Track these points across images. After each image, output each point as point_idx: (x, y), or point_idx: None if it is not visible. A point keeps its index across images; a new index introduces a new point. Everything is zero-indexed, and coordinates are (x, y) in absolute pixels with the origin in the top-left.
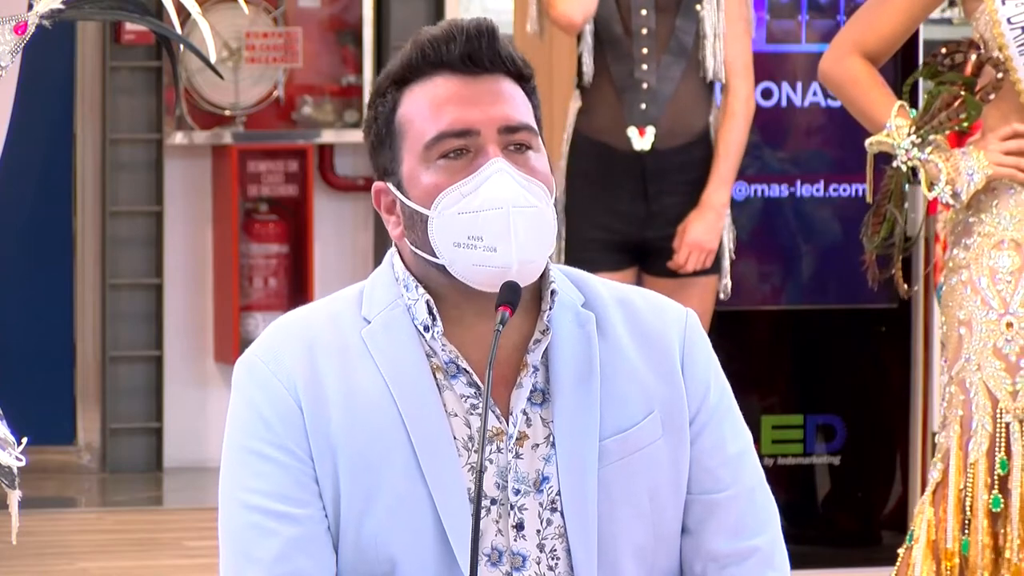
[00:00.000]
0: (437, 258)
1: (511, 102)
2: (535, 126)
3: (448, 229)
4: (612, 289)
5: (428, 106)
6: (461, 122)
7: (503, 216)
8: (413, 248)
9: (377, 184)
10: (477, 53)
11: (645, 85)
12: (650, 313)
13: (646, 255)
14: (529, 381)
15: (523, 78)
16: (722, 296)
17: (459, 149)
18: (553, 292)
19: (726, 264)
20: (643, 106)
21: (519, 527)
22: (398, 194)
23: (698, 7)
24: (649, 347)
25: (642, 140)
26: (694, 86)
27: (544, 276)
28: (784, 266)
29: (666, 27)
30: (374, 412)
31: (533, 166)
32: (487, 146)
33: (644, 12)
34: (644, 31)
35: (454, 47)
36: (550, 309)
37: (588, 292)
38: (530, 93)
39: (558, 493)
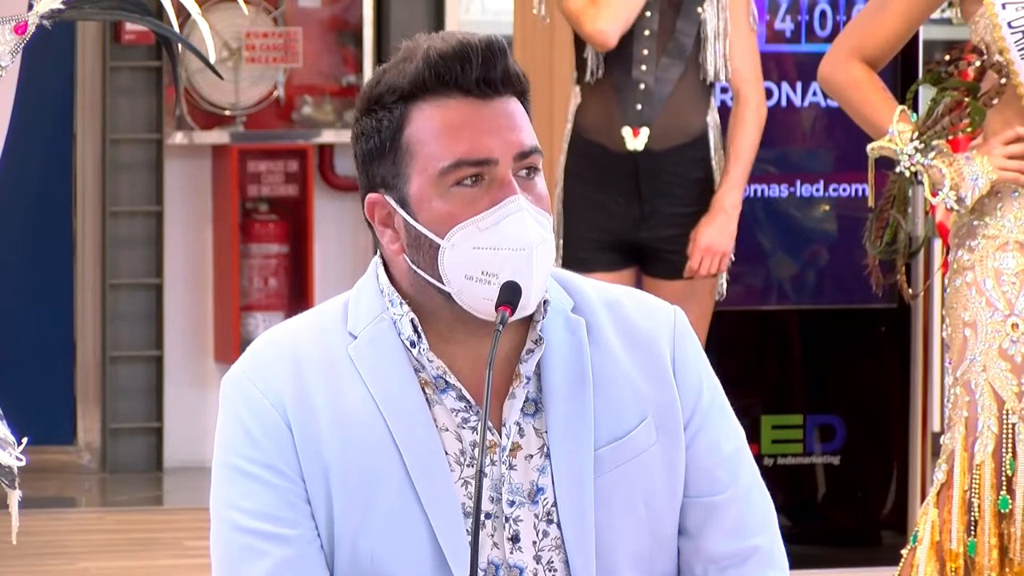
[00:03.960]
0: (443, 285)
1: (523, 126)
2: (539, 147)
3: (461, 262)
4: (600, 291)
5: (443, 130)
6: (478, 150)
7: (526, 258)
8: (415, 268)
9: (373, 196)
10: (492, 76)
11: (642, 86)
12: (639, 314)
13: (643, 256)
14: (522, 392)
15: (525, 95)
16: (718, 296)
17: (475, 176)
18: (546, 303)
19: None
20: (639, 106)
21: (515, 539)
22: (402, 213)
23: (700, 9)
24: (639, 351)
25: (635, 141)
26: (691, 88)
27: None
28: (784, 266)
29: (668, 29)
30: (364, 429)
31: (539, 193)
32: (506, 177)
33: (648, 13)
34: (647, 32)
35: (470, 70)
36: (543, 319)
37: (576, 295)
38: (528, 109)
39: (554, 504)
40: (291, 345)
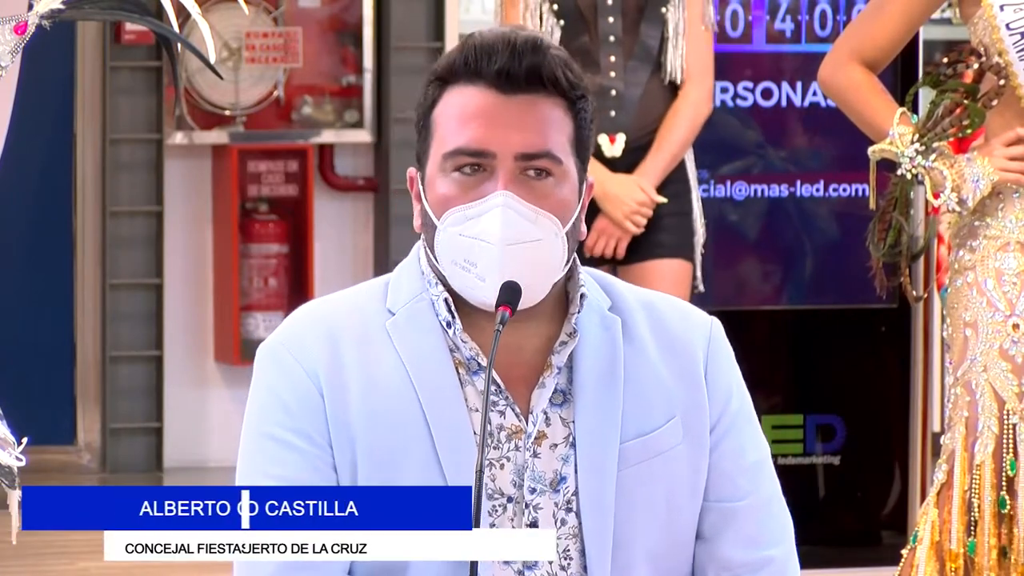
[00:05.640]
0: (439, 265)
1: (538, 126)
2: (559, 152)
3: (449, 246)
4: (637, 294)
5: (457, 116)
6: (479, 141)
7: (495, 252)
8: (424, 245)
9: (411, 170)
10: (516, 70)
11: (613, 92)
12: (675, 319)
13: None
14: (552, 382)
15: (569, 98)
16: (699, 288)
17: (474, 166)
18: (582, 297)
19: (697, 255)
20: (612, 113)
21: (533, 526)
22: (421, 189)
23: (663, 10)
24: (673, 353)
25: (613, 148)
26: (659, 87)
27: (572, 279)
28: (784, 266)
29: (632, 33)
30: (395, 404)
31: (547, 195)
32: (499, 171)
33: (611, 20)
34: (611, 39)
35: (495, 61)
36: (579, 312)
37: (614, 296)
38: (576, 113)
39: (574, 493)
40: (327, 318)
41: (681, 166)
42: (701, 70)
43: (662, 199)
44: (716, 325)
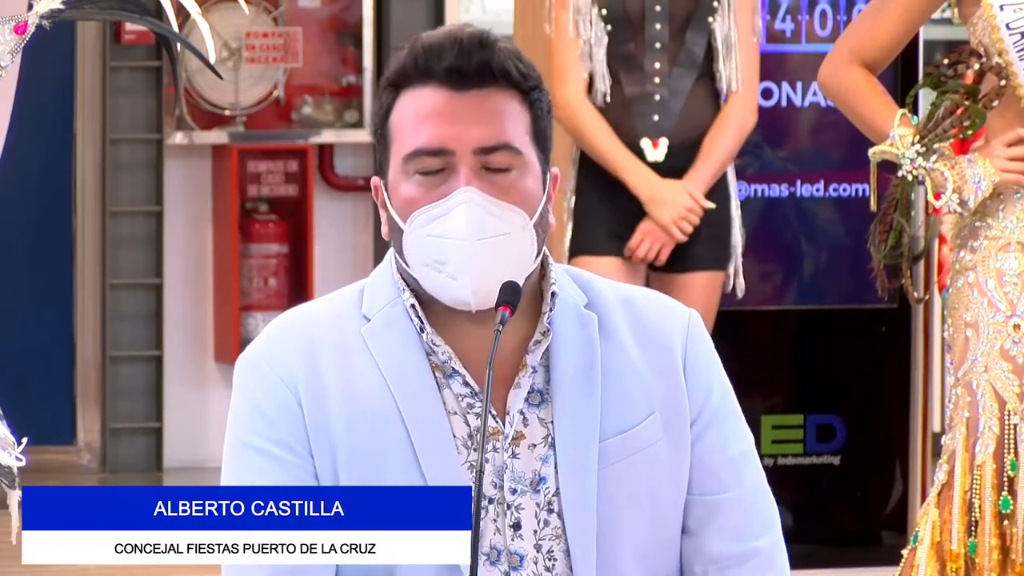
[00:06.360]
0: (410, 269)
1: (494, 120)
2: (519, 144)
3: (418, 248)
4: (616, 290)
5: (412, 118)
6: (437, 140)
7: (463, 249)
8: (395, 251)
9: (374, 179)
10: (466, 67)
11: (657, 97)
12: (653, 313)
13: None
14: (527, 382)
15: (522, 89)
16: (738, 294)
17: (435, 165)
18: (553, 294)
19: (737, 263)
20: (656, 118)
21: (516, 527)
22: (385, 196)
23: (710, 19)
24: (651, 347)
25: (655, 152)
26: (703, 96)
27: (545, 277)
28: (784, 266)
29: (678, 40)
30: (374, 410)
31: (510, 188)
32: (460, 168)
33: (658, 26)
34: (657, 45)
35: (444, 59)
36: (550, 311)
37: (591, 293)
38: (532, 103)
39: (555, 494)
40: (305, 327)
41: (722, 175)
42: (748, 79)
43: (711, 204)
44: (695, 318)
